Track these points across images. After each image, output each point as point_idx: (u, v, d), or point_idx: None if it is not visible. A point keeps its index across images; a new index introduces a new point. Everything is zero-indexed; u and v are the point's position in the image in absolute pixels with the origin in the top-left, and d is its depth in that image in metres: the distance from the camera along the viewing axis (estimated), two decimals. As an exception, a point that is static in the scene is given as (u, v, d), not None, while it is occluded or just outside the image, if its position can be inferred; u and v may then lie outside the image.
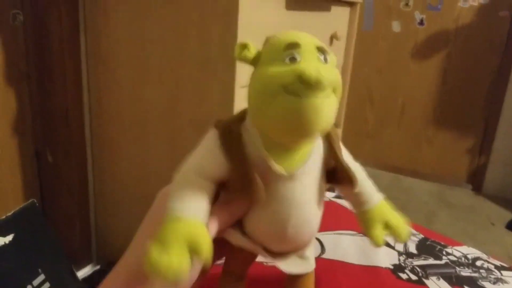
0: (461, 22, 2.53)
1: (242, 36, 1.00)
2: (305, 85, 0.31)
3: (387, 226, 0.41)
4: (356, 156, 0.42)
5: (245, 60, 0.35)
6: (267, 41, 0.36)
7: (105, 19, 1.19)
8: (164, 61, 1.13)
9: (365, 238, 0.71)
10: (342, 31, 1.60)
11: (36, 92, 1.23)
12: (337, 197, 0.86)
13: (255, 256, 0.43)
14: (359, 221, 0.42)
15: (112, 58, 1.21)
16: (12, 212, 1.05)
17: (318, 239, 0.69)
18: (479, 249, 0.73)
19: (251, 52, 0.35)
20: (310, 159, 0.36)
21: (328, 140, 0.38)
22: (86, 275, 1.39)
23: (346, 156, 0.40)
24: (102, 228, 1.42)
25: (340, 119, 1.82)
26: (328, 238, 0.70)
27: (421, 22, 2.62)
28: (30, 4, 1.17)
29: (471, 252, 0.71)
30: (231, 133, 0.36)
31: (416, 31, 2.65)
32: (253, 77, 0.35)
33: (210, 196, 0.36)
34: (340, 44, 1.63)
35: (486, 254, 0.71)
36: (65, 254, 1.14)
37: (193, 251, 0.32)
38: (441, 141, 2.73)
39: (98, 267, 1.43)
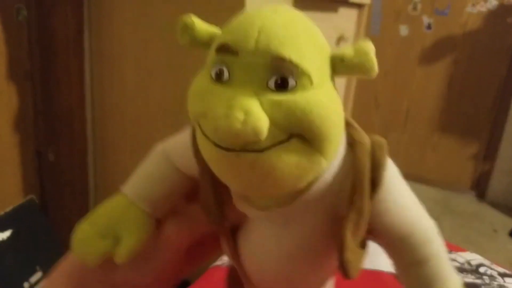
0: (468, 28, 2.52)
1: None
2: (210, 128, 0.20)
3: None
4: None
5: (186, 44, 0.24)
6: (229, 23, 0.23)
7: (110, 19, 1.19)
8: (168, 62, 1.12)
9: (371, 243, 0.70)
10: (350, 33, 1.60)
11: (39, 90, 1.23)
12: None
13: None
14: None
15: (116, 59, 1.21)
16: (10, 208, 1.05)
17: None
18: (482, 256, 0.72)
19: (200, 33, 0.24)
20: (313, 192, 0.24)
21: (356, 161, 0.24)
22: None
23: (395, 199, 0.26)
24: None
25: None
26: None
27: (429, 27, 2.61)
28: (35, 0, 1.17)
29: (475, 258, 0.70)
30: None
31: (423, 36, 2.64)
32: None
33: (173, 183, 0.30)
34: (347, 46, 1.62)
35: (489, 260, 0.71)
36: (64, 252, 1.14)
37: (119, 235, 0.29)
38: (445, 147, 2.72)
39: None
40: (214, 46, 0.22)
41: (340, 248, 0.24)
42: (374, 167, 0.25)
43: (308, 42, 0.21)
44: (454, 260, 0.68)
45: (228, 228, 0.28)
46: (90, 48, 1.25)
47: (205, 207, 0.27)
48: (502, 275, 0.66)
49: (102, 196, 1.36)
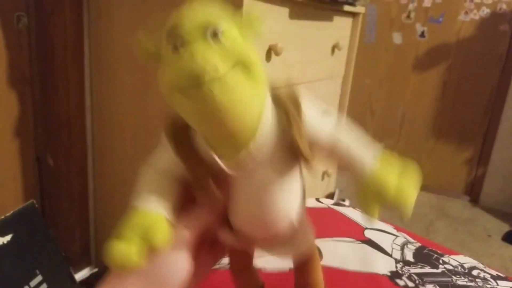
0: (462, 35, 2.55)
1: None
2: (191, 83, 0.28)
3: (382, 200, 0.34)
4: None
5: (144, 56, 0.32)
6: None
7: (109, 26, 1.20)
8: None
9: (363, 245, 0.71)
10: (344, 42, 1.62)
11: (39, 96, 1.24)
12: (336, 204, 0.87)
13: (250, 254, 0.45)
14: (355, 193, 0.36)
15: (115, 65, 1.22)
16: (11, 212, 1.05)
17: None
18: (476, 260, 0.73)
19: (149, 47, 0.32)
20: (260, 145, 0.32)
21: (285, 112, 0.33)
22: (84, 277, 1.39)
23: (316, 121, 0.34)
24: (101, 232, 1.42)
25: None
26: (326, 245, 0.71)
27: (422, 35, 2.64)
28: (35, 7, 1.18)
29: (468, 261, 0.72)
30: (177, 128, 0.35)
31: (417, 43, 2.67)
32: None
33: (169, 190, 0.36)
34: (342, 55, 1.64)
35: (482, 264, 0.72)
36: (64, 256, 1.15)
37: (147, 239, 0.33)
38: (440, 153, 2.74)
39: (96, 270, 1.43)
40: (165, 32, 0.30)
41: (298, 150, 0.33)
42: (294, 104, 0.33)
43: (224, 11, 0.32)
44: (447, 263, 0.70)
45: (220, 197, 0.35)
46: (90, 54, 1.26)
47: (200, 186, 0.34)
48: (495, 278, 0.67)
49: (101, 201, 1.37)
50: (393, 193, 0.34)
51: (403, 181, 0.35)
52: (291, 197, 0.37)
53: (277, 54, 1.12)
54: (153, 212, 0.34)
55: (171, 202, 0.35)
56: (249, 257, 0.46)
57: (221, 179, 0.34)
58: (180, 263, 0.35)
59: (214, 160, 0.32)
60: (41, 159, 1.27)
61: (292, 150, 0.33)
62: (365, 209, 0.35)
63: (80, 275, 1.39)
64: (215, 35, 0.28)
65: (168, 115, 0.34)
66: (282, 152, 0.33)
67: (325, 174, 1.77)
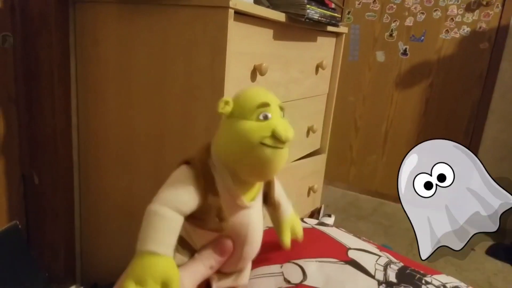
0: (443, 53, 2.60)
1: (230, 64, 1.02)
2: (278, 140, 0.39)
3: (292, 229, 0.56)
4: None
5: (225, 113, 0.41)
6: (238, 97, 0.42)
7: (95, 46, 1.21)
8: (151, 88, 1.14)
9: (346, 266, 0.72)
10: (328, 60, 1.64)
11: (25, 115, 1.23)
12: (320, 224, 0.87)
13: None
14: (275, 226, 0.55)
15: (101, 85, 1.23)
16: (-6, 233, 1.04)
17: (300, 266, 0.70)
18: (460, 275, 0.74)
19: (231, 107, 0.41)
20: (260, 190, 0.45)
21: None
22: (68, 297, 1.37)
23: (277, 185, 0.50)
24: (86, 251, 1.41)
25: (325, 146, 1.85)
26: (310, 265, 0.71)
27: (405, 52, 2.69)
28: (21, 28, 1.18)
29: (450, 281, 0.73)
30: (206, 171, 0.41)
31: (400, 61, 2.72)
32: (230, 129, 0.41)
33: (179, 230, 0.39)
34: (326, 73, 1.66)
35: (466, 280, 0.72)
36: (47, 278, 1.13)
37: (166, 286, 0.35)
38: (423, 168, 2.77)
39: (81, 289, 1.42)
40: (254, 105, 0.40)
41: (271, 200, 0.49)
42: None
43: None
44: (430, 283, 0.70)
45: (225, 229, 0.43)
46: (76, 73, 1.27)
47: (211, 222, 0.41)
48: (476, 296, 0.68)
49: (87, 219, 1.36)
50: (298, 224, 0.57)
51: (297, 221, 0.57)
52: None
53: (261, 74, 1.14)
54: (171, 259, 0.37)
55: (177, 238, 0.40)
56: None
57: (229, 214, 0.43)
58: None
59: (235, 197, 0.42)
60: (26, 177, 1.27)
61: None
62: (284, 238, 0.55)
63: (64, 295, 1.37)
64: (283, 115, 0.41)
65: (194, 160, 0.41)
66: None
67: (311, 190, 1.78)
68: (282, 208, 0.54)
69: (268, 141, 0.39)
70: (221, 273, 0.45)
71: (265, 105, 0.40)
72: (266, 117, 0.40)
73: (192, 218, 0.41)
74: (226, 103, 0.41)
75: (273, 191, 0.49)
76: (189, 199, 0.40)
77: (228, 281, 0.47)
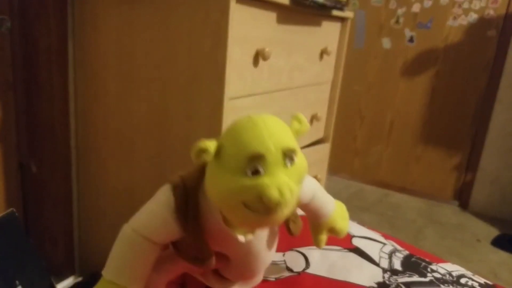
0: (450, 41, 2.57)
1: (233, 49, 1.00)
2: (265, 206, 0.32)
3: (331, 230, 0.54)
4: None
5: (203, 162, 0.35)
6: (229, 136, 0.34)
7: (94, 31, 1.19)
8: (152, 74, 1.12)
9: (350, 254, 0.70)
10: (333, 47, 1.61)
11: (22, 102, 1.22)
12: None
13: None
14: (310, 228, 0.55)
15: (100, 70, 1.21)
16: (-10, 221, 1.03)
17: (302, 254, 0.68)
18: (464, 266, 0.72)
19: (211, 155, 0.34)
20: None
21: None
22: (68, 286, 1.36)
23: (312, 188, 0.47)
24: (85, 240, 1.40)
25: (329, 135, 1.82)
26: (313, 253, 0.69)
27: (411, 40, 2.65)
28: (19, 11, 1.16)
29: (456, 269, 0.71)
30: (188, 202, 0.36)
31: (406, 49, 2.68)
32: (213, 178, 0.34)
33: (154, 259, 0.38)
34: (331, 60, 1.63)
35: (471, 271, 0.71)
36: (45, 266, 1.12)
37: None
38: (428, 158, 2.75)
39: (80, 278, 1.41)
40: (243, 155, 0.32)
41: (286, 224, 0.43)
42: None
43: (288, 130, 0.34)
44: (435, 271, 0.69)
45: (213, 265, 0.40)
46: (74, 59, 1.25)
47: (194, 257, 0.38)
48: (483, 286, 0.66)
49: (86, 208, 1.35)
50: (339, 229, 0.53)
51: (343, 222, 0.53)
52: (275, 249, 0.47)
53: (264, 59, 1.11)
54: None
55: (150, 266, 0.38)
56: None
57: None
58: None
59: (229, 233, 0.38)
60: (24, 166, 1.25)
61: None
62: (317, 240, 0.53)
63: (64, 284, 1.36)
64: (291, 159, 0.33)
65: (176, 185, 0.37)
66: None
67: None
68: (320, 213, 0.51)
69: (253, 204, 0.32)
70: (223, 277, 0.46)
71: (258, 157, 0.32)
72: (257, 173, 0.32)
73: (174, 245, 0.40)
74: (203, 151, 0.33)
75: (292, 224, 0.47)
76: (165, 232, 0.37)
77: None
